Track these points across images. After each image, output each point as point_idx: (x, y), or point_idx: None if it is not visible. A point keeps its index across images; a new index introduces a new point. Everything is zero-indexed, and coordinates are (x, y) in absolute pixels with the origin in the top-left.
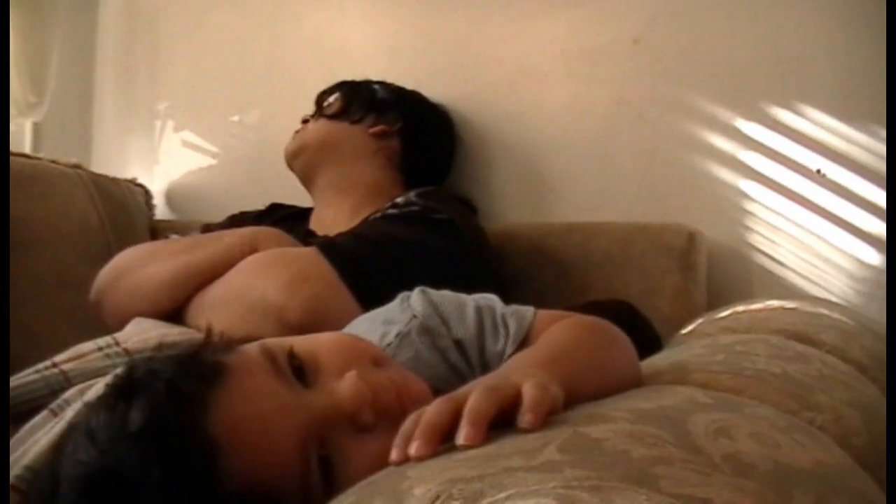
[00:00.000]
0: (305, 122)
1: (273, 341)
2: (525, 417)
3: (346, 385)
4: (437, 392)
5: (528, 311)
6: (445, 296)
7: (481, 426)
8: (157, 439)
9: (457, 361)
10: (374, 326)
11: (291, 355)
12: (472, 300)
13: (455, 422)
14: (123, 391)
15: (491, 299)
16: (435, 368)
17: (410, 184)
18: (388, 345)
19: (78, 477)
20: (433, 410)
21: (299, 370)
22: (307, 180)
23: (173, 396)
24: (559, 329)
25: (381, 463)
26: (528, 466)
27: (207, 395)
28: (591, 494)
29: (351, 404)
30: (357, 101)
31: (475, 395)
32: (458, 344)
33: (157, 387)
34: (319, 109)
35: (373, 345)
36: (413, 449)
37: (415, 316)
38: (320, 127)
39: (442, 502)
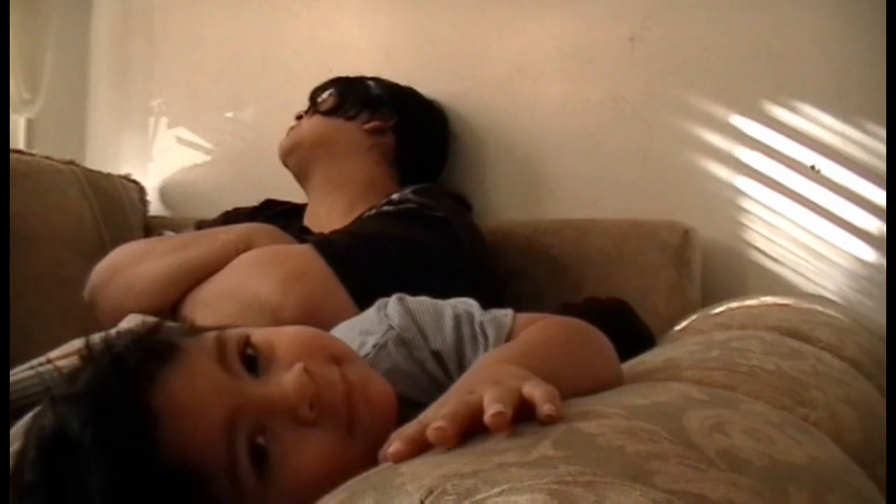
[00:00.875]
0: (300, 118)
1: (234, 330)
2: (545, 408)
3: (289, 377)
4: (418, 404)
5: (507, 316)
6: (423, 304)
7: (509, 411)
8: (96, 405)
9: (435, 372)
10: (352, 336)
11: (247, 344)
12: (450, 308)
13: (471, 424)
14: (84, 360)
15: (469, 305)
16: (415, 380)
17: (405, 180)
18: (366, 356)
19: (37, 436)
20: (450, 407)
21: (253, 360)
22: (302, 177)
23: (117, 367)
24: (533, 329)
25: (323, 461)
26: (521, 462)
27: (150, 371)
28: (586, 490)
29: (290, 397)
30: (351, 97)
31: (493, 390)
32: (436, 355)
33: (106, 358)
34: (314, 106)
35: (339, 341)
36: (436, 424)
37: (391, 327)
38: (315, 123)
39: (435, 498)
